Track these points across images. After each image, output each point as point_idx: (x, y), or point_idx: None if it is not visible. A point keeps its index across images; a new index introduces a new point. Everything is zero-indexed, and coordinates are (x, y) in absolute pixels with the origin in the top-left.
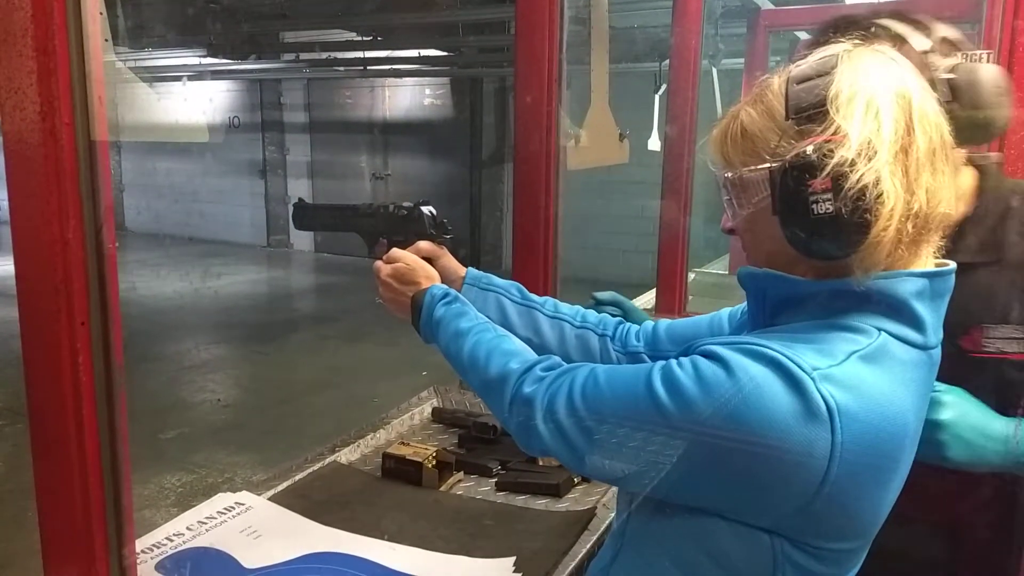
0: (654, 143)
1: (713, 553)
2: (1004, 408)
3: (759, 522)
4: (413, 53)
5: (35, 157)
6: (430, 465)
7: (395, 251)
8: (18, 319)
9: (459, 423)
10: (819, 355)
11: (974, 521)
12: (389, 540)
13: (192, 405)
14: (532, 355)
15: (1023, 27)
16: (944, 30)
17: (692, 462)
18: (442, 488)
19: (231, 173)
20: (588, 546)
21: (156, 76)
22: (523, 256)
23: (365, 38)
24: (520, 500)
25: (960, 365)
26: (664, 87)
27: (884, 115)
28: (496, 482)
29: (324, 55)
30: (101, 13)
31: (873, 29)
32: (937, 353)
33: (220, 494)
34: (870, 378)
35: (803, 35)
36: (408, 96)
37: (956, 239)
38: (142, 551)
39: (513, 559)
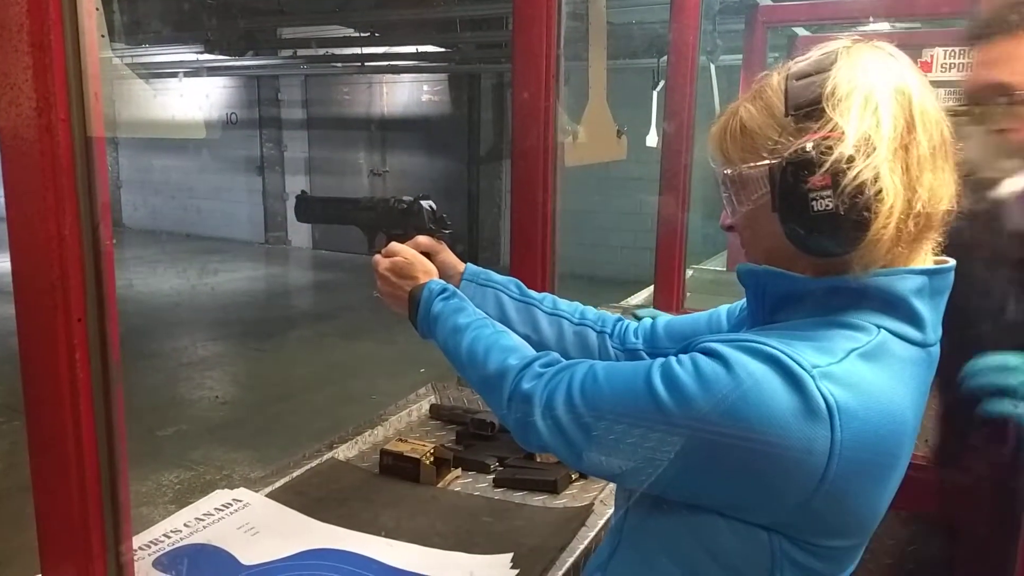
0: (652, 139)
1: (711, 550)
2: None
3: (757, 519)
4: (411, 49)
5: (31, 153)
6: (428, 462)
7: (394, 245)
8: (14, 316)
9: (457, 420)
10: (819, 353)
11: (971, 518)
12: (387, 536)
13: (190, 402)
14: (531, 351)
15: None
16: None
17: (691, 459)
18: (440, 485)
19: (228, 169)
20: (585, 542)
21: (153, 72)
22: (521, 252)
23: (363, 34)
24: (518, 496)
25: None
26: (662, 83)
27: (883, 111)
28: (494, 478)
29: (322, 51)
30: (97, 8)
31: None
32: (936, 350)
33: (218, 491)
34: (869, 376)
35: (801, 31)
36: (406, 92)
37: None
38: (139, 548)
39: (511, 555)
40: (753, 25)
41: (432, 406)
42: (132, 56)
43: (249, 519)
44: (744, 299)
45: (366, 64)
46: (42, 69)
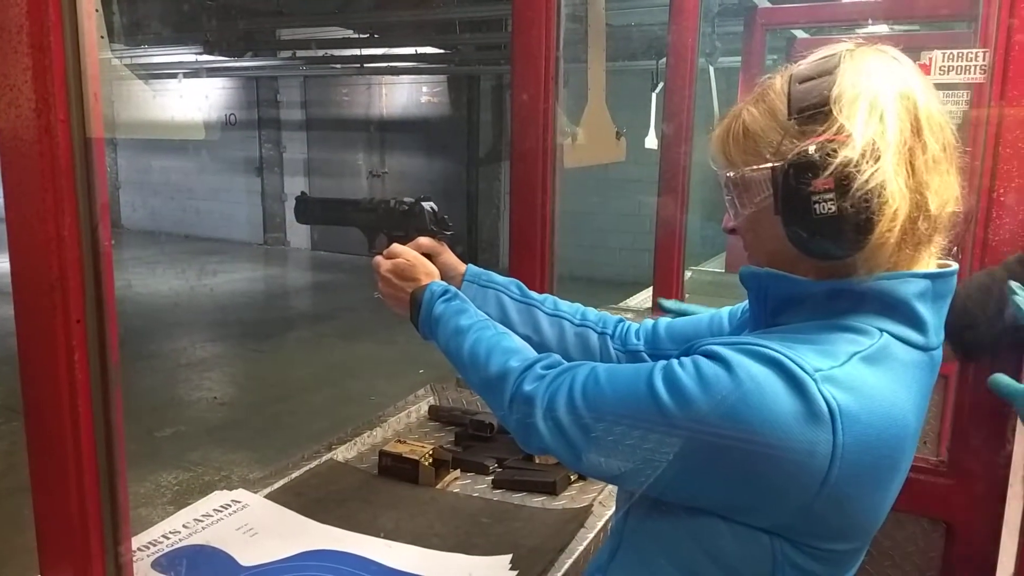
0: (651, 141)
1: (712, 553)
2: None
3: (759, 523)
4: (410, 50)
5: (30, 154)
6: (427, 463)
7: (395, 247)
8: (13, 317)
9: (456, 421)
10: (821, 356)
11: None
12: (386, 538)
13: (188, 403)
14: (532, 353)
15: (1019, 25)
16: None
17: (692, 462)
18: (439, 486)
19: (227, 171)
20: (584, 544)
21: (152, 73)
22: (520, 254)
23: (362, 35)
24: (517, 498)
25: None
26: (661, 85)
27: (889, 116)
28: (493, 480)
29: (321, 52)
30: (97, 10)
31: None
32: (938, 354)
33: (216, 492)
34: (871, 379)
35: (800, 33)
36: (405, 94)
37: None
38: (138, 549)
39: (509, 557)
40: (752, 27)
41: (431, 407)
42: (131, 57)
43: (248, 520)
44: (746, 301)
45: (365, 65)
46: (41, 70)
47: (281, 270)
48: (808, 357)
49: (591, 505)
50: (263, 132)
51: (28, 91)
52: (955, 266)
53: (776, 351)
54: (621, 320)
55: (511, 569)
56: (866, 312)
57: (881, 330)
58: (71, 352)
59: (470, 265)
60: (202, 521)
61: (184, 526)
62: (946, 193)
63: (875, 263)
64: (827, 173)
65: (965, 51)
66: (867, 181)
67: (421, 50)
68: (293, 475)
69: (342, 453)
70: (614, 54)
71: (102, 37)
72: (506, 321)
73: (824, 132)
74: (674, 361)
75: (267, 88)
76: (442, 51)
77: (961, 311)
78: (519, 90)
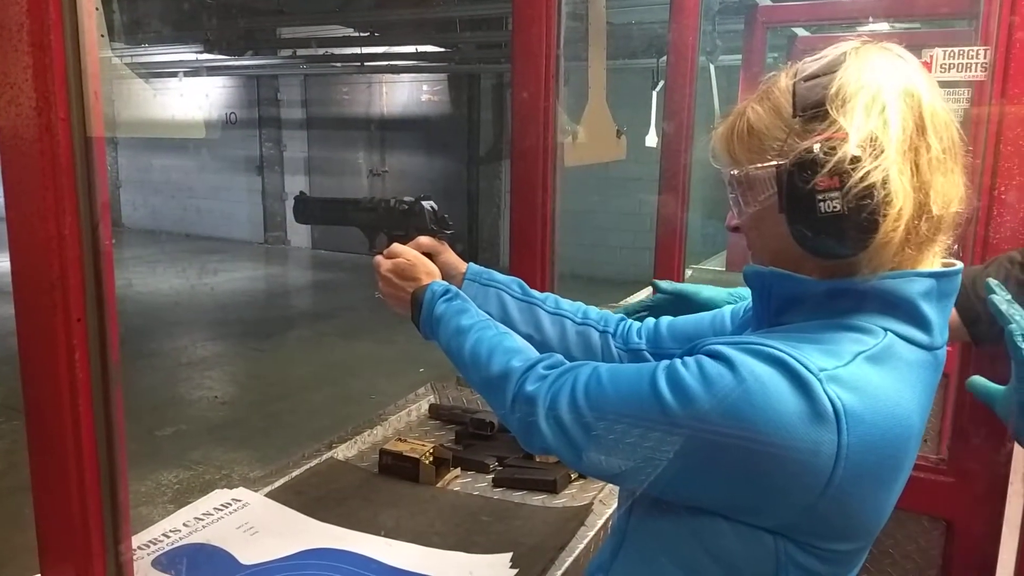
0: (651, 139)
1: (715, 553)
2: None
3: (763, 523)
4: (410, 49)
5: (31, 153)
6: (427, 461)
7: (396, 246)
8: (14, 316)
9: (456, 419)
10: (825, 356)
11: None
12: (386, 536)
13: (189, 402)
14: (534, 353)
15: (1020, 23)
16: None
17: (696, 462)
18: (439, 484)
19: (228, 169)
20: (584, 542)
21: (153, 72)
22: (520, 252)
23: (362, 34)
24: (517, 496)
25: None
26: (662, 83)
27: (891, 113)
28: (493, 478)
29: (321, 51)
30: (97, 8)
31: None
32: (943, 353)
33: (217, 490)
34: (876, 379)
35: (800, 31)
36: (405, 92)
37: None
38: (138, 548)
39: (510, 555)
40: (752, 25)
41: (431, 406)
42: (132, 56)
43: (248, 519)
44: (748, 300)
45: (365, 64)
46: (42, 69)
47: (282, 269)
48: (813, 356)
49: (591, 503)
50: (264, 131)
51: (28, 89)
52: (960, 265)
53: (780, 350)
54: (623, 319)
55: (511, 567)
56: (870, 311)
57: (886, 329)
58: (72, 351)
59: (471, 264)
60: (202, 520)
61: (184, 525)
62: (950, 192)
63: (879, 262)
64: (827, 170)
65: (966, 49)
66: (868, 176)
67: (421, 48)
68: (294, 474)
69: (343, 452)
70: (615, 52)
71: (102, 36)
72: (507, 320)
73: (827, 130)
74: (677, 360)
75: (267, 87)
76: (442, 49)
77: (964, 306)
78: (519, 88)
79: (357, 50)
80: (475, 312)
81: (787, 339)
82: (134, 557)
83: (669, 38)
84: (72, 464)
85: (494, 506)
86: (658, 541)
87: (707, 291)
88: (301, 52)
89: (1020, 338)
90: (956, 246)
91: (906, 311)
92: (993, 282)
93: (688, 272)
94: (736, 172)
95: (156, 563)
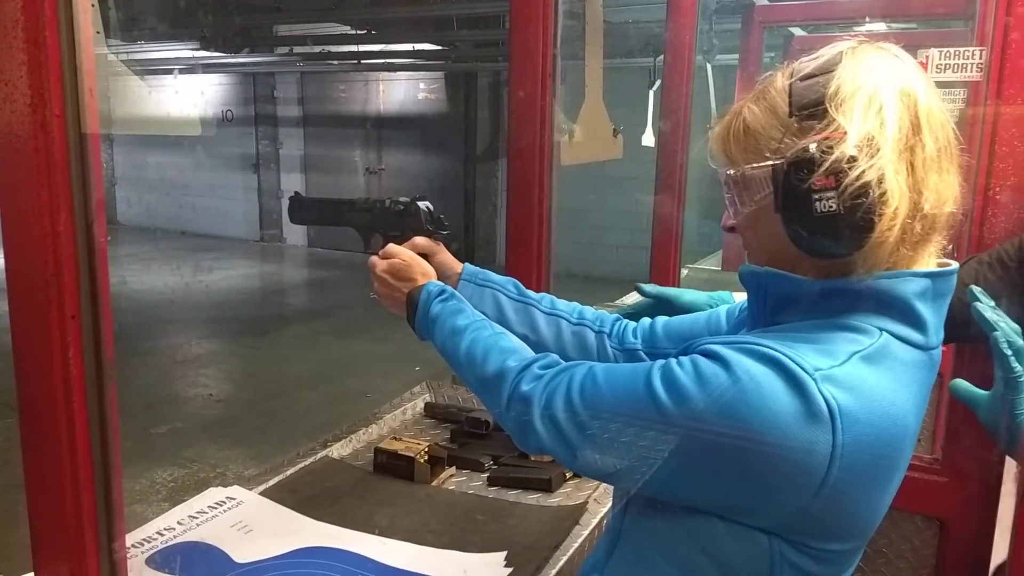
0: (648, 139)
1: (710, 552)
2: None
3: (757, 522)
4: (407, 47)
5: (25, 150)
6: (422, 460)
7: (391, 247)
8: (8, 313)
9: (452, 418)
10: (820, 355)
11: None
12: (380, 535)
13: (184, 400)
14: (530, 353)
15: (1015, 23)
16: None
17: (691, 462)
18: (434, 483)
19: (224, 167)
20: (579, 541)
21: (148, 69)
22: (516, 251)
23: (359, 32)
24: (512, 495)
25: None
26: (658, 83)
27: (887, 112)
28: (488, 477)
29: (318, 49)
30: (93, 5)
31: None
32: (938, 353)
33: (211, 489)
34: (871, 379)
35: (797, 31)
36: (402, 90)
37: None
38: (133, 545)
39: (504, 553)
40: (749, 25)
41: (427, 404)
42: (128, 52)
43: (243, 517)
44: (744, 299)
45: (362, 62)
46: (37, 65)
47: (277, 267)
48: (808, 356)
49: (586, 502)
50: (260, 128)
51: (23, 86)
52: (955, 265)
53: (775, 350)
54: (618, 319)
55: (506, 566)
56: (866, 311)
57: (881, 329)
58: (66, 348)
59: (467, 264)
60: (197, 518)
61: (179, 523)
62: (945, 192)
63: (875, 262)
64: (824, 170)
65: (962, 49)
66: (864, 175)
67: (418, 46)
68: (288, 472)
69: (337, 450)
70: (612, 51)
71: (98, 32)
72: (503, 320)
73: (824, 129)
74: (672, 360)
75: (264, 84)
76: (439, 47)
77: (956, 309)
78: (516, 87)
79: (354, 48)
80: (471, 312)
81: (782, 339)
82: (128, 555)
83: (666, 37)
84: (66, 462)
85: (489, 505)
86: (653, 540)
87: (688, 295)
88: (298, 50)
89: (1006, 345)
90: (951, 246)
91: (901, 311)
92: (977, 289)
93: (684, 271)
94: (732, 172)
95: (150, 561)
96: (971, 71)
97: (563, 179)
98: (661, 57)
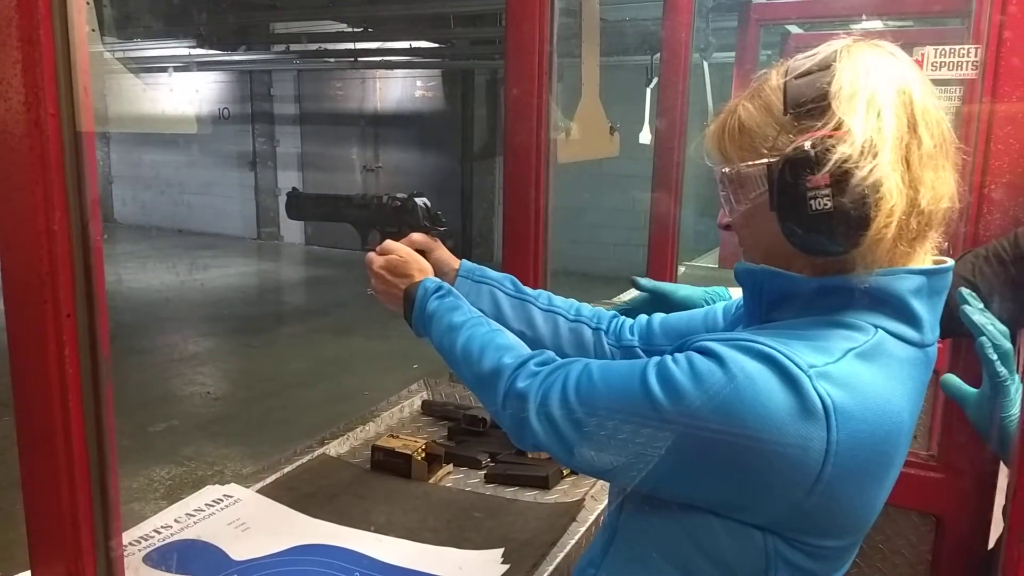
0: (645, 136)
1: (705, 548)
2: None
3: (752, 519)
4: (404, 45)
5: (20, 148)
6: (419, 457)
7: (388, 243)
8: (3, 312)
9: (449, 416)
10: (815, 352)
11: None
12: (378, 532)
13: (181, 398)
14: (526, 350)
15: (1010, 21)
16: None
17: (686, 458)
18: (431, 480)
19: (220, 165)
20: (576, 538)
21: (144, 67)
22: (513, 249)
23: (356, 29)
24: (509, 492)
25: None
26: (655, 80)
27: (886, 112)
28: (485, 474)
29: (314, 46)
30: (87, 3)
31: None
32: (934, 350)
33: (208, 486)
34: (866, 376)
35: (794, 28)
36: (399, 88)
37: None
38: (130, 544)
39: (501, 550)
40: (746, 22)
41: (424, 402)
42: (123, 51)
43: (240, 515)
44: (740, 297)
45: (359, 59)
46: (31, 64)
47: (274, 265)
48: (802, 353)
49: (583, 499)
50: (256, 126)
51: (18, 85)
52: (950, 262)
53: (770, 347)
54: (615, 316)
55: (503, 563)
56: (861, 308)
57: (876, 326)
58: (61, 347)
59: (464, 261)
60: (194, 516)
61: (176, 521)
62: (940, 188)
63: (871, 259)
64: (824, 169)
65: (957, 47)
66: (865, 177)
67: (415, 44)
68: (285, 470)
69: (335, 448)
70: (608, 49)
71: (93, 30)
72: (500, 317)
73: (821, 128)
74: (667, 357)
75: (260, 82)
76: (436, 45)
77: (952, 304)
78: (512, 85)
79: (350, 45)
80: (467, 309)
81: (777, 336)
82: (125, 553)
83: (662, 35)
84: (62, 460)
85: (486, 502)
86: (649, 537)
87: (684, 290)
88: (294, 47)
89: (991, 350)
90: (947, 243)
91: (896, 308)
92: (966, 292)
93: (681, 269)
94: (727, 170)
95: (147, 559)
96: (966, 69)
97: (560, 177)
98: (658, 55)
